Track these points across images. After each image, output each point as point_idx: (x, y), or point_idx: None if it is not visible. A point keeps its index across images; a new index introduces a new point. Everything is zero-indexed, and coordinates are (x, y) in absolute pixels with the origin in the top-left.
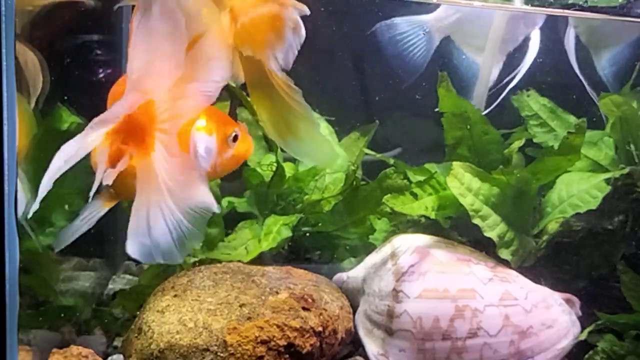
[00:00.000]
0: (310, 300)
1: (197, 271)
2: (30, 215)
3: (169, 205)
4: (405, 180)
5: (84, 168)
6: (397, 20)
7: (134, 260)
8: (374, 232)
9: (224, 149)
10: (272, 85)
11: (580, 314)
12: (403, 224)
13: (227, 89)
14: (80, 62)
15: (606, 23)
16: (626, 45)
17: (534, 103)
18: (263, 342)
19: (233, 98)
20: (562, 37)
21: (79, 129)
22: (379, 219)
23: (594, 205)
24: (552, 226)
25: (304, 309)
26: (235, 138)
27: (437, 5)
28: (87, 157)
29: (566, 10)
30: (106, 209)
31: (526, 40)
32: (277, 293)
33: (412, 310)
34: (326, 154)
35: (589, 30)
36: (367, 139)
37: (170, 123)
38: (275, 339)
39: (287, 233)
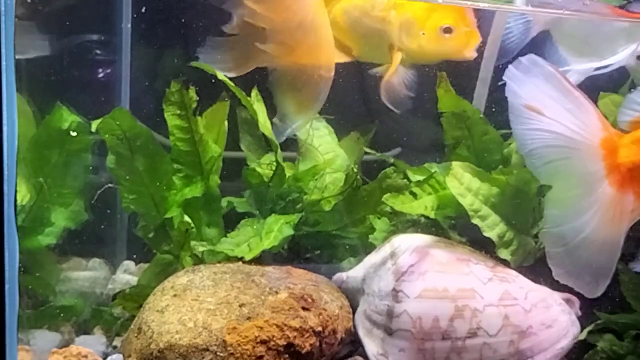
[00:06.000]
0: (310, 300)
1: (197, 271)
2: None
3: None
4: (405, 180)
5: (83, 168)
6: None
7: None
8: (374, 232)
9: None
10: None
11: (580, 314)
12: (403, 224)
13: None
14: None
15: None
16: None
17: None
18: (263, 342)
19: (233, 98)
20: None
21: (79, 128)
22: (379, 218)
23: None
24: None
25: (303, 309)
26: None
27: None
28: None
29: (565, 11)
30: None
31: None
32: (277, 293)
33: (412, 310)
34: None
35: None
36: (367, 139)
37: None
38: (275, 339)
39: (289, 232)
